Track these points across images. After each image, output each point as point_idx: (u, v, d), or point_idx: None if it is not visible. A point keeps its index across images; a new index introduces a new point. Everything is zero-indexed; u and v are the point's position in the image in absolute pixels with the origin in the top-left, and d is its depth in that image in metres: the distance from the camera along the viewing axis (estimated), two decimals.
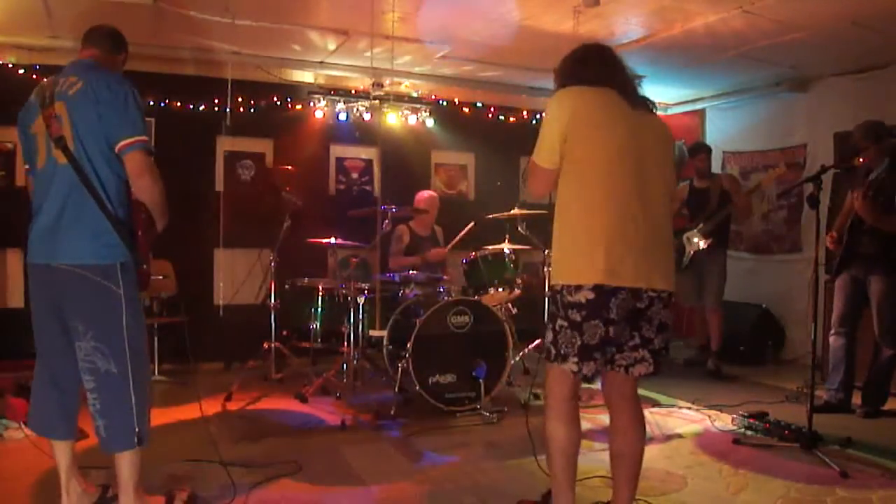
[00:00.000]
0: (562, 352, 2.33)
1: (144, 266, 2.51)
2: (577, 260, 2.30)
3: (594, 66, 2.43)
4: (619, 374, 2.41)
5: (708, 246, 5.54)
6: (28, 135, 2.50)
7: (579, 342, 2.28)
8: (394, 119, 6.39)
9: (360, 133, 6.35)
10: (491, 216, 5.24)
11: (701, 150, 5.81)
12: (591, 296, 2.24)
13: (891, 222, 4.00)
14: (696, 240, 5.61)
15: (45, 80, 2.54)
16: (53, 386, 2.52)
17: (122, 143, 2.38)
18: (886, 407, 4.29)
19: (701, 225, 5.59)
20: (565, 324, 2.31)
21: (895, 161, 4.10)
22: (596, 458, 3.47)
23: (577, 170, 2.32)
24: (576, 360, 2.30)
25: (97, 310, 2.39)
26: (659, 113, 2.58)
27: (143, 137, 2.41)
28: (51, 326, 2.48)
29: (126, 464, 2.44)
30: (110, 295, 2.38)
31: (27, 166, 2.59)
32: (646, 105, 2.45)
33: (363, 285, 4.69)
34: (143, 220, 2.48)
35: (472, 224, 4.81)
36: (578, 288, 2.26)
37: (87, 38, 2.63)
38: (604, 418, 4.15)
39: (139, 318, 2.48)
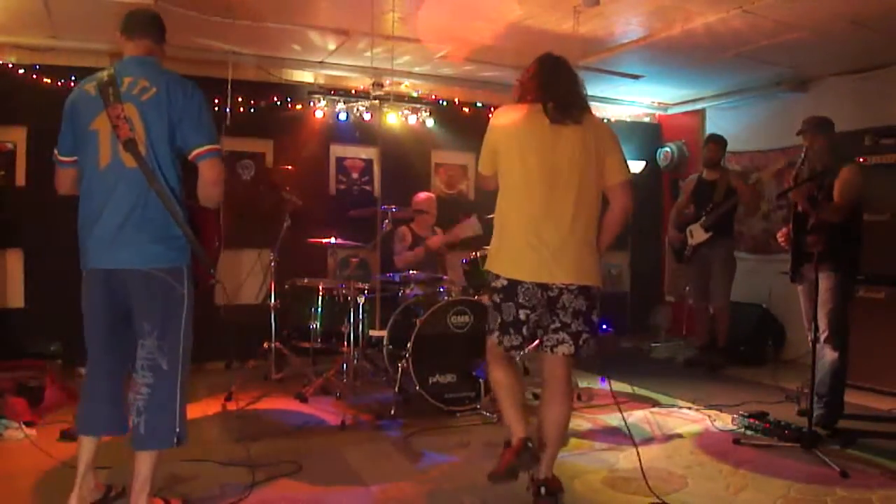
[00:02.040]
0: (489, 326, 2.87)
1: (212, 270, 2.60)
2: (494, 253, 2.85)
3: (536, 82, 2.83)
4: (548, 354, 2.83)
5: (708, 239, 5.54)
6: (84, 129, 2.43)
7: (499, 320, 2.80)
8: (394, 119, 6.39)
9: (360, 133, 6.33)
10: (491, 216, 5.23)
11: (708, 140, 5.91)
12: (504, 283, 2.78)
13: (830, 213, 3.95)
14: (696, 233, 5.62)
15: (102, 72, 2.43)
16: (111, 385, 2.57)
17: (199, 150, 2.42)
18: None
19: (703, 218, 5.60)
20: (491, 305, 2.86)
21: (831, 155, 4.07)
22: (596, 458, 3.48)
23: (502, 181, 2.84)
24: (497, 334, 2.81)
25: (164, 310, 2.46)
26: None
27: (218, 146, 2.46)
28: (107, 327, 2.53)
29: (149, 462, 2.47)
30: (176, 295, 2.47)
31: (67, 158, 2.51)
32: (572, 116, 2.75)
33: (363, 285, 4.69)
34: (216, 224, 2.55)
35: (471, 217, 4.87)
36: (497, 276, 2.80)
37: (135, 28, 2.51)
38: (604, 418, 4.18)
39: (191, 318, 2.56)
